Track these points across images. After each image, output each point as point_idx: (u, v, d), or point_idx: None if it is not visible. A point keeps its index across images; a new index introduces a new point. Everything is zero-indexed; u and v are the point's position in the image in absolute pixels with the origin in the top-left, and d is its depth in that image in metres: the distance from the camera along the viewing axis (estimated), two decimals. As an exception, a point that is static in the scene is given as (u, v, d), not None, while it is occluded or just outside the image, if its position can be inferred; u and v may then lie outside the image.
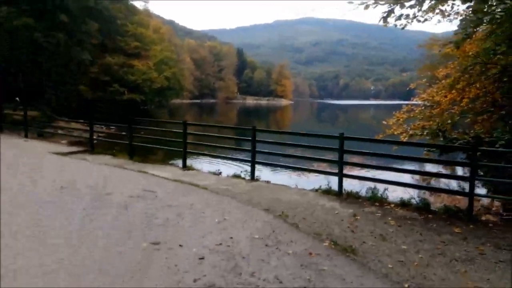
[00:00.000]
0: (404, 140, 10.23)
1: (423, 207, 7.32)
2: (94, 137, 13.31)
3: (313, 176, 10.84)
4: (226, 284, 3.98)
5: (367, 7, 7.54)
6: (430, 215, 6.99)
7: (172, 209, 6.60)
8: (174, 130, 12.10)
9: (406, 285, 4.20)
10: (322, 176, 9.32)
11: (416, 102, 13.09)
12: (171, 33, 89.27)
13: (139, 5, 51.51)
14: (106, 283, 3.90)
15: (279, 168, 11.52)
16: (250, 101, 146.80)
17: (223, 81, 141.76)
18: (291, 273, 4.30)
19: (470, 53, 9.85)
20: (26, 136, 15.59)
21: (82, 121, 15.33)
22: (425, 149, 9.53)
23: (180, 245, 4.98)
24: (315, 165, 12.02)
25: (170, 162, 12.28)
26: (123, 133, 13.35)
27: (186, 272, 4.22)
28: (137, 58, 54.87)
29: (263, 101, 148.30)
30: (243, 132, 21.84)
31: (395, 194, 8.43)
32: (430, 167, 11.81)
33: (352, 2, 7.40)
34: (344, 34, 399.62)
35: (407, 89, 15.09)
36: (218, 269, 4.33)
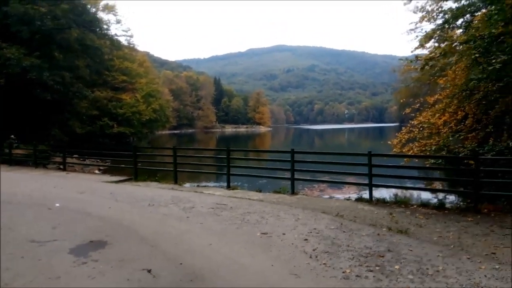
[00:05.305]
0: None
1: (440, 206, 9.47)
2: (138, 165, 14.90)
3: (339, 191, 12.91)
4: (335, 251, 5.93)
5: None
6: (446, 211, 9.14)
7: (253, 214, 8.48)
8: (219, 156, 14.00)
9: (452, 246, 6.26)
10: (346, 190, 11.36)
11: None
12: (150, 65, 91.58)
13: (123, 39, 53.17)
14: (259, 252, 5.79)
15: (309, 183, 13.58)
16: (229, 129, 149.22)
17: (201, 111, 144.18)
18: (373, 244, 6.29)
19: (459, 83, 12.26)
20: (64, 169, 17.09)
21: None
22: (432, 160, 11.71)
23: (283, 234, 6.89)
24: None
25: (213, 184, 14.10)
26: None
27: (303, 246, 6.15)
28: (124, 92, 56.31)
29: (242, 129, 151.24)
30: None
31: (415, 196, 10.64)
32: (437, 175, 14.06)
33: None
34: (315, 60, 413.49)
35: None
36: (323, 244, 6.27)
